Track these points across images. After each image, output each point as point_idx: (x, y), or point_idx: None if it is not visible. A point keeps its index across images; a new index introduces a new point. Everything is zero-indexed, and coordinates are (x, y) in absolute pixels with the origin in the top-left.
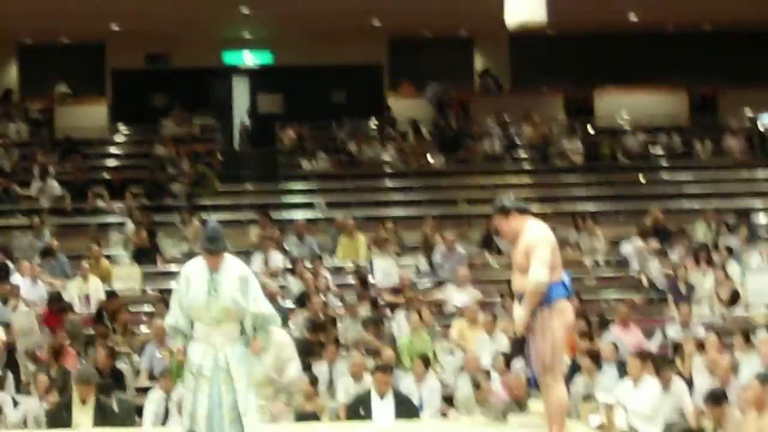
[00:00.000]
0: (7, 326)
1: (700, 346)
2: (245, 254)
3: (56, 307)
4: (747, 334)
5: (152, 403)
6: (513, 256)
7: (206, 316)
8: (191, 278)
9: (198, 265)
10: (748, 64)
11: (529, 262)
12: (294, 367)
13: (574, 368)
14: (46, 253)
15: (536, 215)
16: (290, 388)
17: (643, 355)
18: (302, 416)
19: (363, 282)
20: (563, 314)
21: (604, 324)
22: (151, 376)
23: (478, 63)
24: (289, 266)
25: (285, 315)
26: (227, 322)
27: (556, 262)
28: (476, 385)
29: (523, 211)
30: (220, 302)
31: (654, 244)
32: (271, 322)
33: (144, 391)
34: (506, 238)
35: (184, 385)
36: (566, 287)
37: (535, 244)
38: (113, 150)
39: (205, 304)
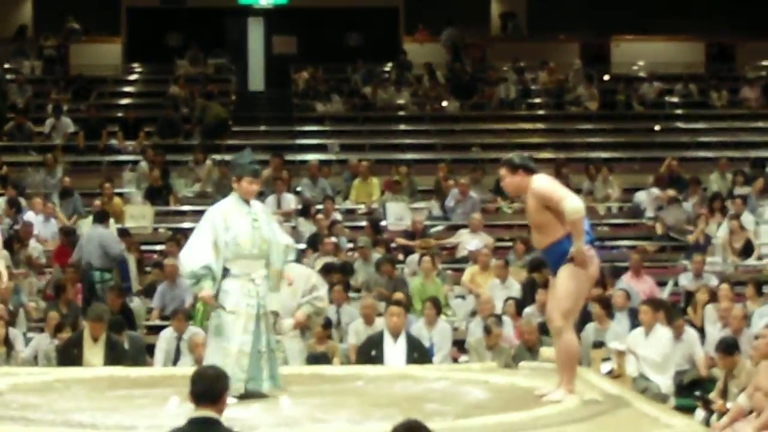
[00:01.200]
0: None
1: (713, 295)
2: (258, 195)
3: (67, 243)
4: (759, 284)
5: (163, 342)
6: (528, 215)
7: (249, 250)
8: (229, 215)
9: (230, 201)
10: (764, 14)
11: (553, 202)
12: (323, 289)
13: (586, 316)
14: (65, 193)
15: (550, 161)
16: (317, 304)
17: (655, 304)
18: (313, 358)
19: (375, 225)
20: (589, 264)
21: (617, 272)
22: (163, 315)
23: (496, 9)
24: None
25: (299, 256)
26: (262, 256)
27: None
28: (487, 330)
29: (530, 170)
30: (261, 234)
31: (668, 192)
32: (294, 254)
33: (155, 330)
34: (507, 190)
35: (216, 325)
36: (589, 234)
37: (548, 187)
38: (127, 89)
39: (250, 237)
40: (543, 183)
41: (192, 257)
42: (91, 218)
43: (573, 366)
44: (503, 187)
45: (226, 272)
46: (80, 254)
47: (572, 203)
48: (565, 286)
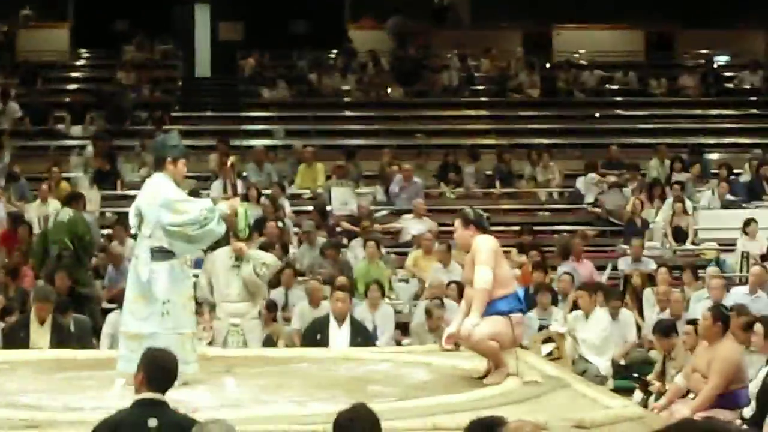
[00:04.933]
0: None
1: (651, 279)
2: (205, 180)
3: (15, 227)
4: (696, 269)
5: (109, 325)
6: (465, 270)
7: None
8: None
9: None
10: (704, 4)
11: (476, 261)
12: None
13: (530, 301)
14: (11, 177)
15: (492, 147)
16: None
17: (592, 287)
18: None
19: (321, 210)
20: (514, 326)
21: (563, 255)
22: (110, 299)
23: None
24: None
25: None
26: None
27: (506, 275)
28: (429, 314)
29: (481, 228)
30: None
31: (608, 178)
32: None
33: (104, 313)
34: (457, 242)
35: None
36: (520, 301)
37: (482, 248)
38: (74, 74)
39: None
40: (481, 243)
41: (194, 206)
42: (38, 203)
43: (495, 353)
44: (455, 239)
45: (166, 252)
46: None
47: (483, 274)
48: (490, 327)
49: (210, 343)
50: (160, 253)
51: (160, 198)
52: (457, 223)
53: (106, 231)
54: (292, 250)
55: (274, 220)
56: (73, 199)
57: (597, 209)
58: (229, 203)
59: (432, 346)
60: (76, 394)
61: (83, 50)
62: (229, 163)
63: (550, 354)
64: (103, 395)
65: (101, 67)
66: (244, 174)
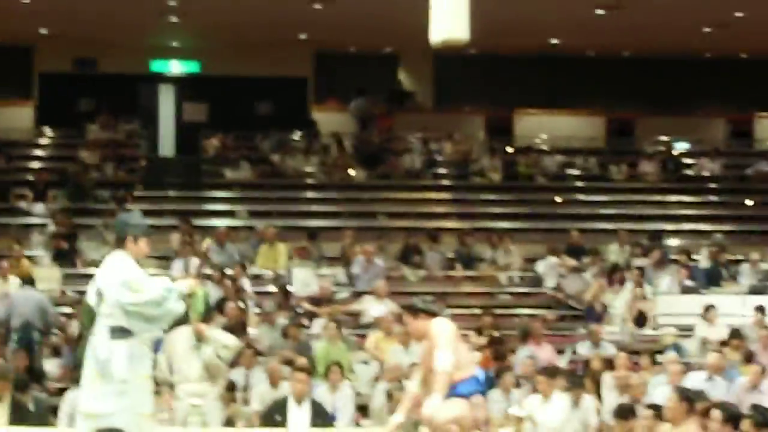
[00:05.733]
0: None
1: (609, 364)
2: (166, 260)
3: None
4: (654, 354)
5: (67, 404)
6: (423, 358)
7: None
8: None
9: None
10: (664, 91)
11: (434, 346)
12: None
13: (490, 383)
14: None
15: (454, 231)
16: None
17: (552, 371)
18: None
19: (283, 290)
20: (474, 409)
21: (523, 339)
22: (69, 377)
23: (402, 80)
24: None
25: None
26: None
27: (465, 358)
28: (389, 396)
29: (431, 314)
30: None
31: (569, 262)
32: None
33: (62, 391)
34: (413, 336)
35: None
36: (480, 383)
37: (437, 331)
38: (38, 152)
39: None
40: (438, 327)
41: (153, 285)
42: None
43: None
44: (410, 333)
45: (125, 332)
46: (8, 314)
47: (443, 358)
48: (451, 411)
49: (170, 424)
50: (119, 332)
51: (119, 277)
52: (407, 317)
53: (66, 309)
54: (252, 330)
55: (235, 300)
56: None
57: (557, 293)
58: (188, 283)
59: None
60: None
61: (47, 128)
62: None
63: None
64: None
65: (65, 145)
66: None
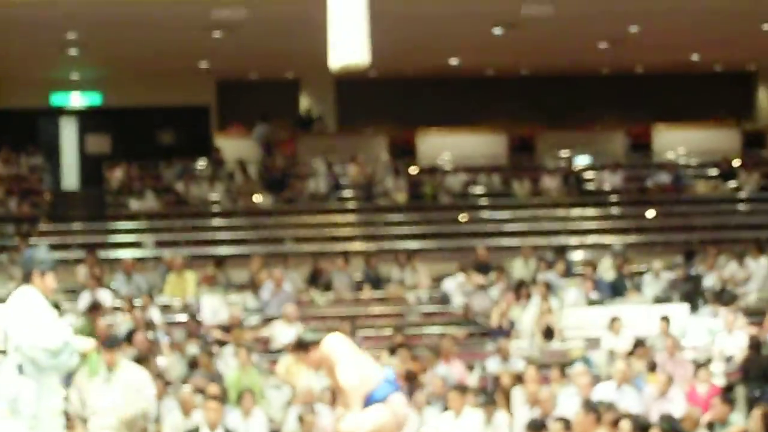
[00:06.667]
0: None
1: (519, 379)
2: (72, 293)
3: None
4: (563, 367)
5: None
6: (331, 382)
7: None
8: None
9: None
10: (563, 107)
11: (331, 363)
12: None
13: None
14: None
15: (361, 253)
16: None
17: (462, 389)
18: None
19: (193, 319)
20: (396, 409)
21: (435, 358)
22: None
23: (305, 104)
24: (117, 305)
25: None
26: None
27: (369, 368)
28: (300, 420)
29: (318, 343)
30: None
31: (475, 279)
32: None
33: None
34: (315, 369)
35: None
36: (392, 383)
37: (330, 352)
38: None
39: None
40: (329, 346)
41: (54, 333)
42: None
43: None
44: (310, 367)
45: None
46: None
47: (346, 372)
48: (373, 419)
49: None
50: (28, 368)
51: (24, 317)
52: (299, 356)
53: None
54: (162, 360)
55: (144, 330)
56: None
57: (465, 311)
58: (86, 343)
59: None
60: None
61: None
62: None
63: None
64: None
65: None
66: (113, 286)
